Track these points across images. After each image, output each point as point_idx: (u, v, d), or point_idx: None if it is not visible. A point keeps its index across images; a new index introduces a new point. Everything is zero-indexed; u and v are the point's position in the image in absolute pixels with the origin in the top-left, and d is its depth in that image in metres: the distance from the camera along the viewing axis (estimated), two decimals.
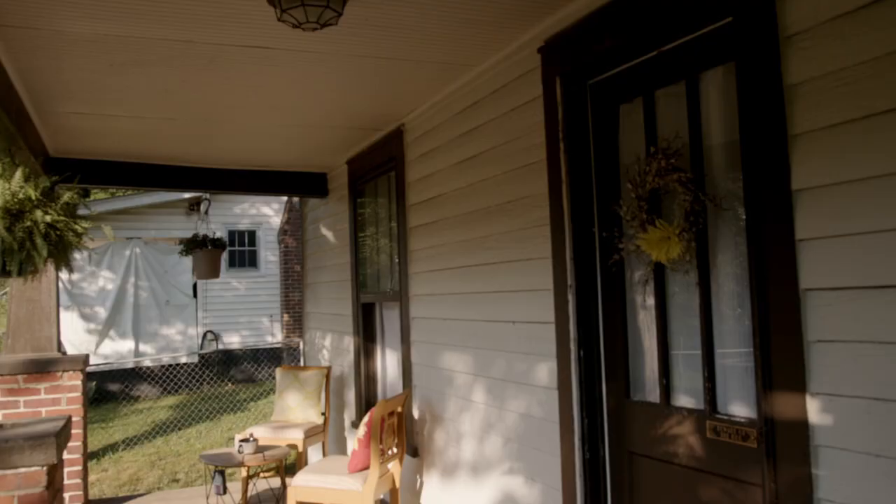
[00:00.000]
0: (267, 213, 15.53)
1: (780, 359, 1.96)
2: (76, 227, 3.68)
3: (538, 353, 3.13)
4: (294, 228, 13.74)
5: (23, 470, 2.63)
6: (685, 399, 2.50)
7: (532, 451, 3.20)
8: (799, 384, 1.90)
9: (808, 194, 1.91)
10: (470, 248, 3.74)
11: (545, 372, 3.07)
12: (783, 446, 1.96)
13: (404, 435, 4.25)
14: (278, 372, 6.06)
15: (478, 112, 3.64)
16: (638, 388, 2.72)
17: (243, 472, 5.20)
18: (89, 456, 8.59)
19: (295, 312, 13.95)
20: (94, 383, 12.91)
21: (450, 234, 3.97)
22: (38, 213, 3.46)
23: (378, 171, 5.14)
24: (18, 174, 3.42)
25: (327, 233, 6.51)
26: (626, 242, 2.65)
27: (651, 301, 2.61)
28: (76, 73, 3.42)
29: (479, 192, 3.64)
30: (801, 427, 1.90)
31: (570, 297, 2.88)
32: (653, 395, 2.62)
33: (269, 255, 15.53)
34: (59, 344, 5.39)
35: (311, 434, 5.53)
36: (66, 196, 3.62)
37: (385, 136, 4.86)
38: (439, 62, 3.47)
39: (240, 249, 15.38)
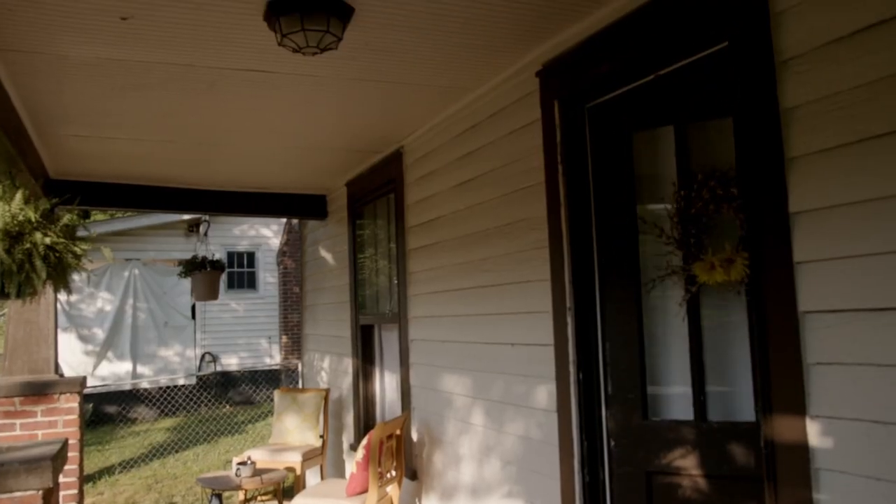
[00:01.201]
0: (266, 234, 15.55)
1: (780, 381, 1.96)
2: (75, 248, 3.68)
3: (537, 376, 3.12)
4: (293, 250, 13.74)
5: (18, 494, 2.61)
6: (717, 416, 2.49)
7: (531, 473, 3.18)
8: (798, 407, 1.90)
9: (806, 217, 1.92)
10: (468, 271, 3.74)
11: (544, 394, 3.06)
12: (784, 469, 1.95)
13: (403, 458, 4.23)
14: (276, 394, 6.03)
15: (476, 135, 3.66)
16: (660, 407, 2.70)
17: (241, 496, 5.16)
18: (86, 479, 8.52)
19: (293, 334, 13.90)
20: (91, 405, 12.83)
21: (448, 256, 3.97)
22: (38, 236, 3.46)
23: (377, 193, 5.15)
24: (18, 196, 3.43)
25: (326, 255, 6.51)
26: (665, 265, 2.65)
27: (682, 321, 2.60)
28: (77, 96, 3.44)
29: (478, 214, 3.65)
30: (802, 450, 1.89)
31: (570, 320, 2.88)
32: (682, 412, 2.60)
33: (267, 276, 15.52)
34: (57, 366, 5.36)
35: (310, 457, 5.50)
36: (66, 218, 3.63)
37: (384, 159, 4.88)
38: (438, 86, 3.50)
39: (238, 271, 15.36)
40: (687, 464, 2.53)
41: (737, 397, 2.43)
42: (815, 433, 1.87)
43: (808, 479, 1.88)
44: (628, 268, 2.77)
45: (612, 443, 2.78)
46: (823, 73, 1.88)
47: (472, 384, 3.73)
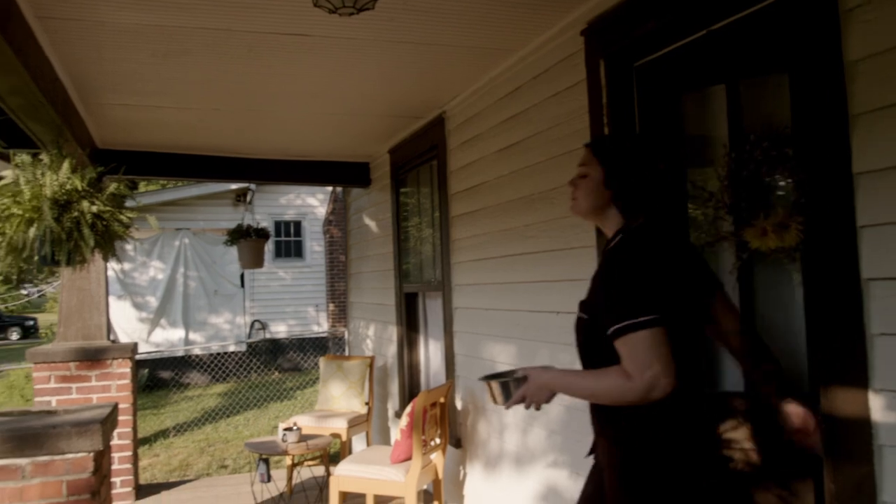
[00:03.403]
0: (312, 203, 15.65)
1: (840, 353, 1.85)
2: (122, 217, 3.72)
3: None
4: (339, 219, 13.81)
5: (70, 456, 2.67)
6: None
7: (576, 444, 3.13)
8: (861, 380, 1.79)
9: (871, 177, 1.79)
10: (512, 238, 3.67)
11: None
12: (844, 445, 1.85)
13: (447, 426, 4.22)
14: (322, 361, 6.08)
15: (520, 98, 3.56)
16: (712, 379, 2.60)
17: (288, 461, 5.24)
18: (142, 441, 8.79)
19: (340, 302, 14.05)
20: (147, 371, 13.21)
21: (492, 222, 3.90)
22: (85, 204, 3.50)
23: (420, 159, 5.09)
24: (66, 165, 3.47)
25: (370, 222, 6.50)
26: (715, 231, 2.54)
27: (732, 289, 2.47)
28: (119, 64, 3.44)
29: (522, 179, 3.56)
30: (864, 425, 1.79)
31: None
32: (733, 384, 2.51)
33: (314, 245, 15.67)
34: (109, 332, 5.49)
35: (355, 423, 5.54)
36: (112, 187, 3.66)
37: (426, 124, 4.81)
38: (480, 47, 3.40)
39: (285, 240, 15.54)
40: (738, 436, 2.44)
41: (791, 369, 2.33)
42: (878, 407, 1.76)
43: (870, 455, 1.77)
44: (677, 233, 2.66)
45: None
46: (892, 22, 1.74)
47: (516, 353, 3.68)
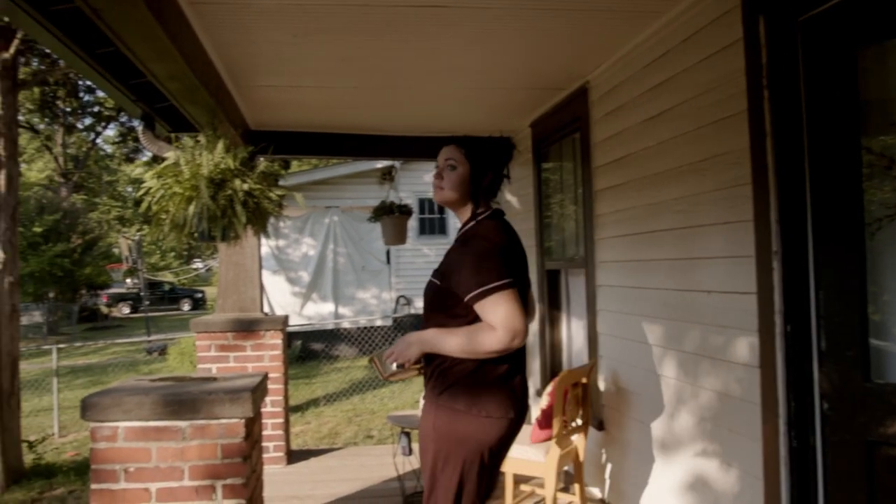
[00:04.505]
0: None
1: None
2: (271, 194, 3.86)
3: (737, 327, 2.83)
4: None
5: (224, 421, 2.81)
6: None
7: (728, 433, 2.93)
8: None
9: None
10: (660, 212, 3.47)
11: (745, 347, 2.77)
12: None
13: (589, 407, 4.09)
14: None
15: (668, 63, 3.34)
16: (886, 368, 2.33)
17: None
18: (294, 409, 9.28)
19: None
20: (300, 342, 13.92)
21: (638, 196, 3.71)
22: (237, 182, 3.65)
23: (562, 132, 4.94)
24: (220, 146, 3.63)
25: (511, 198, 6.41)
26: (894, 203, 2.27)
27: None
28: (263, 45, 3.55)
29: (670, 150, 3.35)
30: None
31: (776, 265, 2.55)
32: None
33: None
34: (262, 305, 5.77)
35: None
36: (263, 165, 3.81)
37: (569, 96, 4.65)
38: (625, 11, 3.21)
39: (430, 217, 15.77)
40: None
41: None
42: None
43: None
44: (849, 206, 2.37)
45: (826, 405, 2.45)
46: None
47: (663, 333, 3.49)
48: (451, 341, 2.33)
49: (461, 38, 3.52)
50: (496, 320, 2.21)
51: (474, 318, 2.31)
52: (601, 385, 4.29)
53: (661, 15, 3.25)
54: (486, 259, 2.31)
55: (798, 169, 2.51)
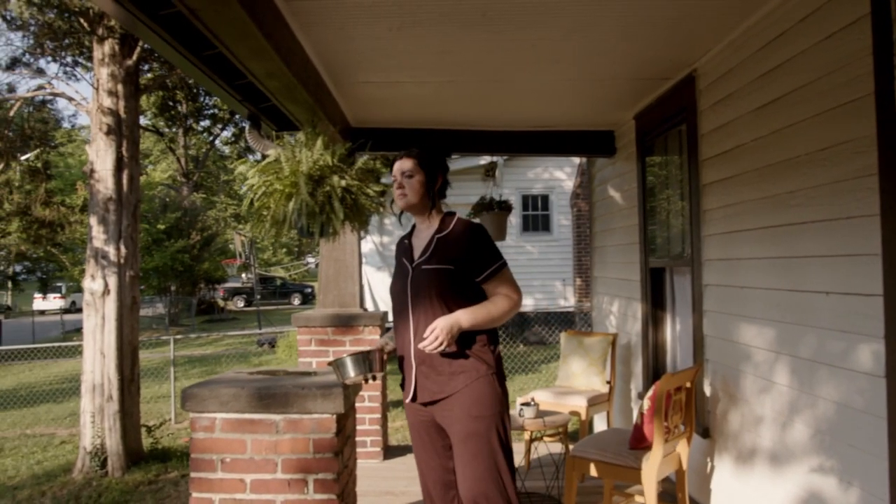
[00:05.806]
0: (560, 176, 15.55)
1: None
2: (369, 191, 3.87)
3: (859, 332, 2.58)
4: (586, 192, 13.52)
5: (316, 416, 2.82)
6: None
7: (848, 448, 2.68)
8: None
9: None
10: (772, 206, 3.23)
11: (868, 355, 2.52)
12: None
13: (693, 413, 3.87)
14: (563, 337, 5.95)
15: (782, 46, 3.09)
16: None
17: (525, 435, 5.20)
18: (394, 405, 9.36)
19: (587, 277, 13.83)
20: None
21: (748, 190, 3.47)
22: (335, 179, 3.67)
23: (667, 124, 4.71)
24: (319, 143, 3.67)
25: (614, 194, 6.20)
26: None
27: None
28: (360, 41, 3.55)
29: (784, 140, 3.10)
30: None
31: None
32: None
33: (561, 219, 15.57)
34: (363, 300, 5.82)
35: (595, 402, 5.35)
36: (360, 162, 3.82)
37: (674, 86, 4.42)
38: None
39: (533, 214, 15.62)
40: None
41: None
42: None
43: None
44: None
45: None
46: None
47: (775, 337, 3.25)
48: (482, 314, 2.71)
49: (561, 27, 3.39)
50: (510, 290, 2.77)
51: (475, 296, 2.77)
52: (706, 390, 4.06)
53: None
54: (493, 244, 2.83)
55: None
